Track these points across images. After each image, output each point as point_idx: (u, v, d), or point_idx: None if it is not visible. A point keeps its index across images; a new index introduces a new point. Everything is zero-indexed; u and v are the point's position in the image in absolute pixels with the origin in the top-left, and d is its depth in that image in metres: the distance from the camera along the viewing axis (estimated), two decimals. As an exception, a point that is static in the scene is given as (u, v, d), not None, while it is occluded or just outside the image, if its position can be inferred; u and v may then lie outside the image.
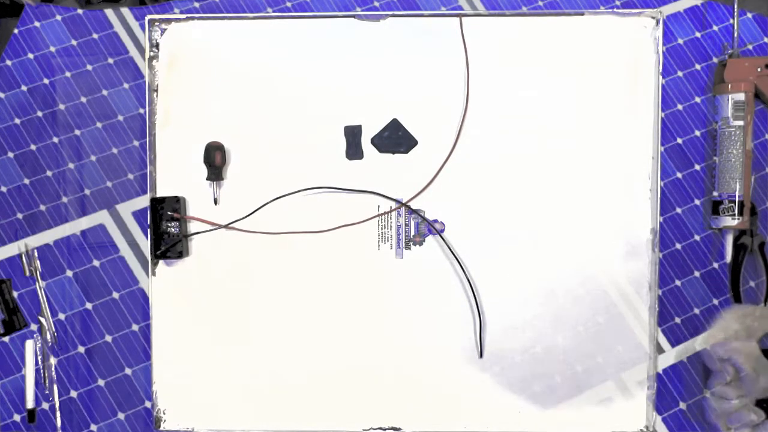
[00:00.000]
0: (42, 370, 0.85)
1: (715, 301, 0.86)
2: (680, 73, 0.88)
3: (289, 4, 0.89)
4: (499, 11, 0.88)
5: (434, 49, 0.86)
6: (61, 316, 0.85)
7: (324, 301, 0.85)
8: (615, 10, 0.87)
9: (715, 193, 0.85)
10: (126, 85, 0.88)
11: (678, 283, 0.86)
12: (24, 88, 0.87)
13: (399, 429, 0.84)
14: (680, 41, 0.88)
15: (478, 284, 0.84)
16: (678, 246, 0.86)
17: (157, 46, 0.86)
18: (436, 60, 0.86)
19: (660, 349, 0.85)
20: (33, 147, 0.87)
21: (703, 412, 0.84)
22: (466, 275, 0.84)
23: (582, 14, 0.86)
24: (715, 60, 0.88)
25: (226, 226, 0.85)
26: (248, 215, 0.84)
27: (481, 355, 0.84)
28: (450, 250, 0.84)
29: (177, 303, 0.85)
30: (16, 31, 0.88)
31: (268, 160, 0.85)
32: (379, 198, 0.85)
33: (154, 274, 0.85)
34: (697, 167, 0.87)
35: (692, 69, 0.88)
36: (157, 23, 0.86)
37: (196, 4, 0.88)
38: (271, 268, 0.85)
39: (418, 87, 0.86)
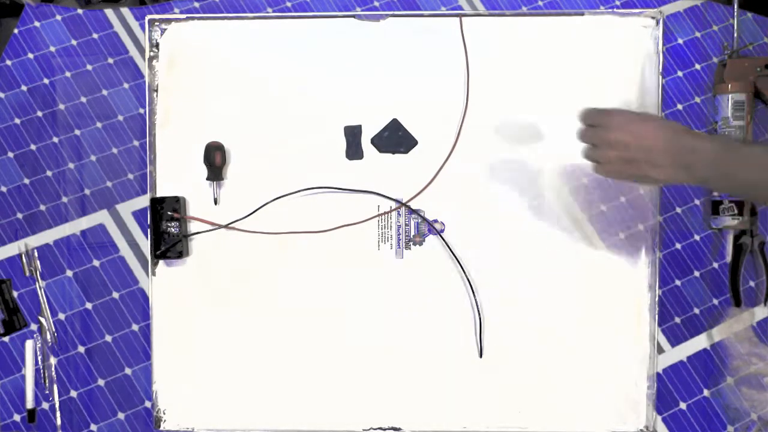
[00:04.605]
0: (42, 370, 0.85)
1: (715, 301, 0.86)
2: (680, 73, 0.88)
3: (289, 4, 0.89)
4: (499, 11, 0.88)
5: (434, 49, 0.86)
6: (61, 316, 0.85)
7: (324, 301, 0.85)
8: (615, 10, 0.87)
9: (715, 193, 0.85)
10: (126, 85, 0.87)
11: (678, 283, 0.86)
12: (24, 88, 0.87)
13: (399, 429, 0.84)
14: (680, 41, 0.88)
15: (477, 284, 0.84)
16: (678, 246, 0.86)
17: (157, 46, 0.86)
18: (436, 60, 0.86)
19: (660, 349, 0.85)
20: (33, 147, 0.87)
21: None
22: (465, 275, 0.84)
23: (582, 14, 0.86)
24: (715, 60, 0.88)
25: (226, 226, 0.85)
26: (248, 215, 0.84)
27: (481, 355, 0.84)
28: (450, 250, 0.84)
29: (177, 303, 0.85)
30: (16, 31, 0.88)
31: (268, 160, 0.85)
32: (379, 198, 0.85)
33: (154, 274, 0.85)
34: (697, 167, 0.87)
35: (692, 69, 0.88)
36: (157, 23, 0.86)
37: (196, 4, 0.88)
38: (271, 268, 0.85)
39: (418, 87, 0.86)
